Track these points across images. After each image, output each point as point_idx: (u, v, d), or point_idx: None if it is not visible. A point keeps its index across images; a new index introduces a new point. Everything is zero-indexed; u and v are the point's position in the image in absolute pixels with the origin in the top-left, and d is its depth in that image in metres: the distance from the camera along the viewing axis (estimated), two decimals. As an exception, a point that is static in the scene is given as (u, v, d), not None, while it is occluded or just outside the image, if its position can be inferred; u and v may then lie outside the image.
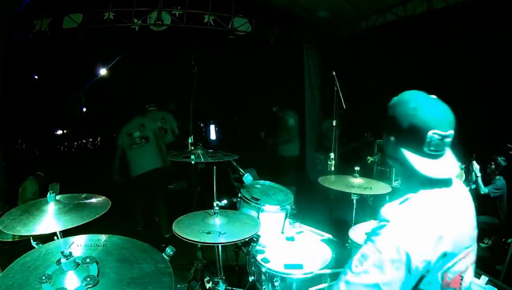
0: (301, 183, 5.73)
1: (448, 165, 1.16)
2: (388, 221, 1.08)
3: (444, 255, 1.08)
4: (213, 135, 7.63)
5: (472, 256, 1.19)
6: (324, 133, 5.51)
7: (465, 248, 1.15)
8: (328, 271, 2.13)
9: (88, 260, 1.18)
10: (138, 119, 4.61)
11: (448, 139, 1.13)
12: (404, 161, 1.15)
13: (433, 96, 1.17)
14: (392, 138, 1.19)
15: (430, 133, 1.10)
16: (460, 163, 3.89)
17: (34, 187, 4.27)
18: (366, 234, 1.15)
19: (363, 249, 1.10)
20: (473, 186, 3.98)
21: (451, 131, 1.13)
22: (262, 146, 6.03)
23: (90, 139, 9.98)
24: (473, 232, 1.21)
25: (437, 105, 1.15)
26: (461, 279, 1.16)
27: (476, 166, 3.99)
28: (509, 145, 4.07)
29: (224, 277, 2.34)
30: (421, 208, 1.10)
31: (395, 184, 3.96)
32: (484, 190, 3.99)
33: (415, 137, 1.12)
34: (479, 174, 4.00)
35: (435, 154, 1.13)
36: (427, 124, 1.10)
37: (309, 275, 2.08)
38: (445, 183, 1.18)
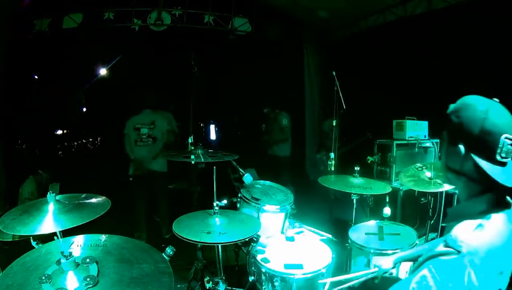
0: (301, 183, 5.73)
1: None
2: (460, 249, 0.99)
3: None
4: (213, 136, 7.63)
5: None
6: (326, 133, 5.52)
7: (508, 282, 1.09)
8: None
9: (88, 260, 1.18)
10: (149, 114, 4.41)
11: None
12: (477, 170, 1.05)
13: (496, 99, 1.12)
14: (461, 146, 1.08)
15: (502, 137, 1.02)
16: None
17: (32, 186, 4.26)
18: (428, 255, 1.06)
19: (425, 272, 1.00)
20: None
21: None
22: (258, 144, 6.01)
23: (90, 139, 9.97)
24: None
25: (504, 109, 1.08)
26: None
27: None
28: None
29: (224, 277, 2.34)
30: (493, 240, 1.01)
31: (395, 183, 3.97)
32: None
33: (488, 143, 1.03)
34: None
35: (505, 161, 1.04)
36: (499, 128, 1.03)
37: (309, 275, 2.08)
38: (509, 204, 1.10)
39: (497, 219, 1.05)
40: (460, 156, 1.09)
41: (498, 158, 1.03)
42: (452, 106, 1.15)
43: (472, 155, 1.06)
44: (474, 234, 1.02)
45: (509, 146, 1.03)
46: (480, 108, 1.07)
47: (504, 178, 1.03)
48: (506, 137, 1.02)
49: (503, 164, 1.05)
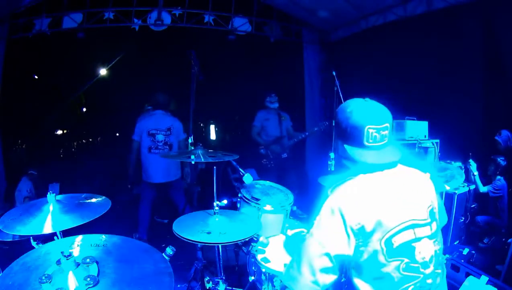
0: (301, 182, 5.73)
1: (386, 154, 1.37)
2: (328, 196, 1.35)
3: (379, 223, 1.27)
4: (213, 136, 7.62)
5: (424, 231, 1.34)
6: None
7: (406, 221, 1.31)
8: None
9: (88, 260, 1.18)
10: (164, 118, 4.17)
11: (385, 132, 1.36)
12: (349, 155, 1.38)
13: (366, 99, 1.42)
14: (339, 140, 1.44)
15: (366, 129, 1.34)
16: (460, 163, 3.90)
17: (29, 184, 4.26)
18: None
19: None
20: (473, 186, 3.97)
21: (387, 124, 1.36)
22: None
23: (90, 139, 9.97)
24: (416, 208, 1.36)
25: (369, 106, 1.39)
26: (414, 249, 1.30)
27: (472, 164, 3.99)
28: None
29: (224, 277, 2.34)
30: (356, 183, 1.36)
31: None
32: (483, 189, 3.99)
33: (353, 134, 1.36)
34: (476, 172, 3.99)
35: (376, 145, 1.36)
36: (361, 123, 1.35)
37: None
38: (380, 168, 1.38)
39: (360, 177, 1.38)
40: (340, 147, 1.45)
41: (366, 143, 1.35)
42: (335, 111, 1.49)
43: (345, 145, 1.40)
44: (339, 187, 1.38)
45: (375, 133, 1.34)
46: (348, 110, 1.39)
47: (370, 157, 1.35)
48: (369, 128, 1.34)
49: (374, 147, 1.36)
